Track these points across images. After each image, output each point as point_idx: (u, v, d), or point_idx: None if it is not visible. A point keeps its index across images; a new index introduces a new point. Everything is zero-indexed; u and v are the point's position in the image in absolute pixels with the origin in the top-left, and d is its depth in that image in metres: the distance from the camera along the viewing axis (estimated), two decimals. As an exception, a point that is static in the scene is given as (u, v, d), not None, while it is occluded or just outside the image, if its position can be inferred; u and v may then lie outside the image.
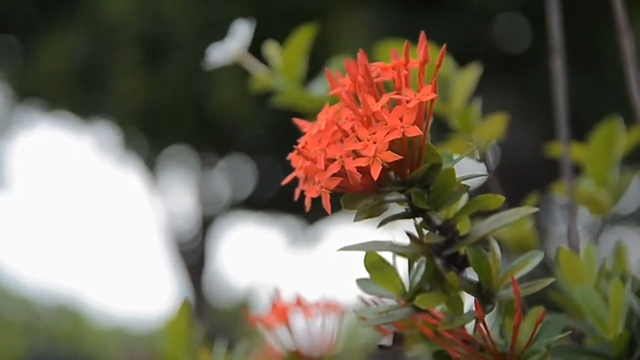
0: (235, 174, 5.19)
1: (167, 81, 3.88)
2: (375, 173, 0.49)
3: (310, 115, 0.82)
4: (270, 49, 0.83)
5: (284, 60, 0.82)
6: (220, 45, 0.81)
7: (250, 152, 4.88)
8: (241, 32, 0.81)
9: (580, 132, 0.83)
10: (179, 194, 5.58)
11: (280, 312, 0.75)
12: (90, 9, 4.00)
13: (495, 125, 0.81)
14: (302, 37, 0.82)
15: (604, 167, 0.79)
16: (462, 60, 0.82)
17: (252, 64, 0.83)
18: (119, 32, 3.90)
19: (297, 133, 0.55)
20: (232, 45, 0.81)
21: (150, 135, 4.55)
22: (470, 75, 0.80)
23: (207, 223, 5.51)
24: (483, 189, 0.77)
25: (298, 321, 0.76)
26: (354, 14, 3.53)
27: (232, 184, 5.26)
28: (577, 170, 0.82)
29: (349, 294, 0.62)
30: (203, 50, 0.83)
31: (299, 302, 0.76)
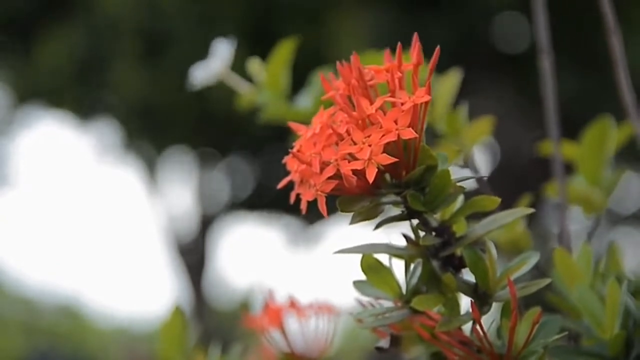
0: (235, 174, 5.19)
1: (166, 75, 3.88)
2: (371, 176, 0.49)
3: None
4: (253, 65, 0.83)
5: (268, 75, 0.82)
6: (203, 64, 0.82)
7: (251, 151, 4.88)
8: (223, 51, 0.81)
9: (579, 132, 0.82)
10: (179, 194, 5.58)
11: (274, 313, 0.75)
12: (89, 5, 4.00)
13: (482, 128, 0.81)
14: (285, 51, 0.82)
15: (596, 166, 0.79)
16: (461, 61, 0.82)
17: (236, 81, 0.83)
18: (117, 26, 3.90)
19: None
20: (215, 64, 0.81)
21: (150, 133, 4.55)
22: (451, 81, 0.80)
23: (207, 223, 5.51)
24: (479, 190, 0.77)
25: (293, 323, 0.76)
26: (354, 14, 3.53)
27: (232, 184, 5.26)
28: (572, 170, 0.82)
29: (348, 295, 0.62)
30: (201, 44, 0.83)
31: (293, 304, 0.76)
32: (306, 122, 0.72)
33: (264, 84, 0.83)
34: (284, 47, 0.82)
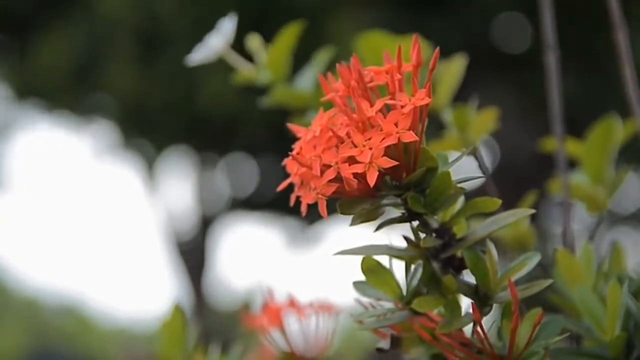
0: (235, 173, 5.19)
1: (162, 76, 3.88)
2: (372, 179, 0.49)
3: (299, 113, 0.81)
4: (253, 42, 0.82)
5: (270, 57, 0.81)
6: (204, 42, 0.80)
7: (250, 151, 4.87)
8: (225, 29, 0.80)
9: (582, 133, 0.82)
10: (178, 194, 5.58)
11: (274, 313, 0.75)
12: (87, 5, 4.00)
13: (487, 120, 0.80)
14: (289, 35, 0.81)
15: (601, 164, 0.78)
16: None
17: (237, 60, 0.81)
18: (115, 27, 3.90)
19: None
20: (215, 42, 0.79)
21: (148, 133, 4.55)
22: (456, 66, 0.79)
23: (207, 223, 5.51)
24: (480, 189, 0.77)
25: (293, 322, 0.76)
26: (355, 14, 3.53)
27: (232, 184, 5.26)
28: (573, 167, 0.82)
29: (348, 294, 0.62)
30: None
31: (292, 303, 0.76)
32: (306, 103, 0.72)
33: (265, 65, 0.81)
34: (289, 31, 0.80)
